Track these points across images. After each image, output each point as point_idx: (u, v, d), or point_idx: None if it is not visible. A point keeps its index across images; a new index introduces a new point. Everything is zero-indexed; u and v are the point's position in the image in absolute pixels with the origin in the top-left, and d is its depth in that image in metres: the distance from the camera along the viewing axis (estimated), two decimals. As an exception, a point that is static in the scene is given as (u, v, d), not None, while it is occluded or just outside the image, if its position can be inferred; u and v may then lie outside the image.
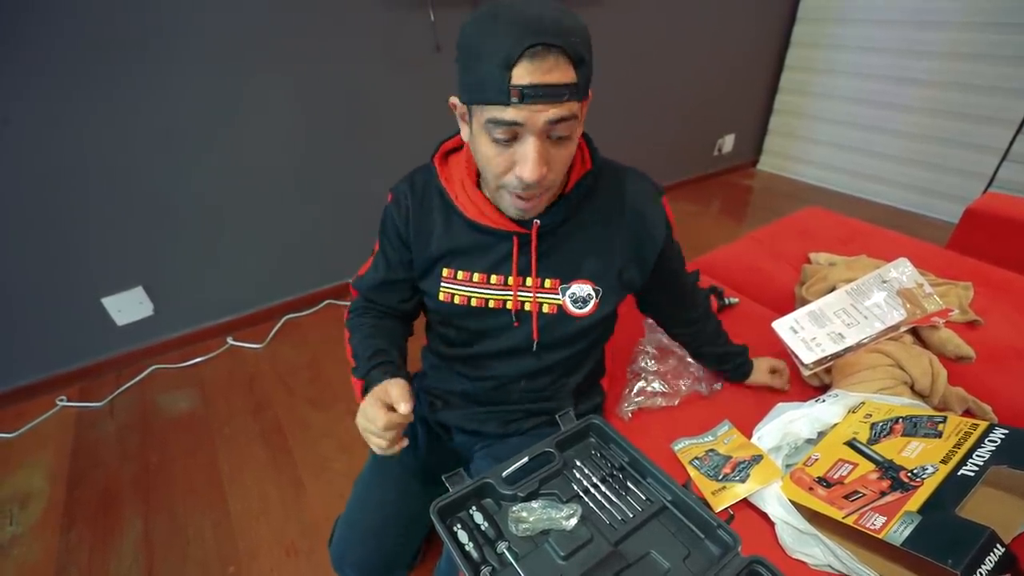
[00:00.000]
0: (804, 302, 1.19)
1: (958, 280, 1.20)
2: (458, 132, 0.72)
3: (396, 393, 0.64)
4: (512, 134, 0.57)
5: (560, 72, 0.53)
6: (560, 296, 0.74)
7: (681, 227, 0.81)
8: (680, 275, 0.86)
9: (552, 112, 0.55)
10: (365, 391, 0.71)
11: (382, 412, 0.63)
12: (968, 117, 2.45)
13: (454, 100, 0.63)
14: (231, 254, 1.88)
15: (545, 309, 0.74)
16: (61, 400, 1.67)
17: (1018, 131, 2.31)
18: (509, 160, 0.59)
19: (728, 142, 3.31)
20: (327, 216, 2.00)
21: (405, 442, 0.67)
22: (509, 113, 0.54)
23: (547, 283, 0.74)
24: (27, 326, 1.61)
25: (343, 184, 1.97)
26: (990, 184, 2.47)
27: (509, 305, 0.74)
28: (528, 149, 0.57)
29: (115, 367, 1.80)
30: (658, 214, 0.76)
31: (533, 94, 0.53)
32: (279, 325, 2.00)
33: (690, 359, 1.03)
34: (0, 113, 1.35)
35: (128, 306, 1.75)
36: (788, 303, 1.28)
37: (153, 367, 1.80)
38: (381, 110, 1.92)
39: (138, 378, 1.75)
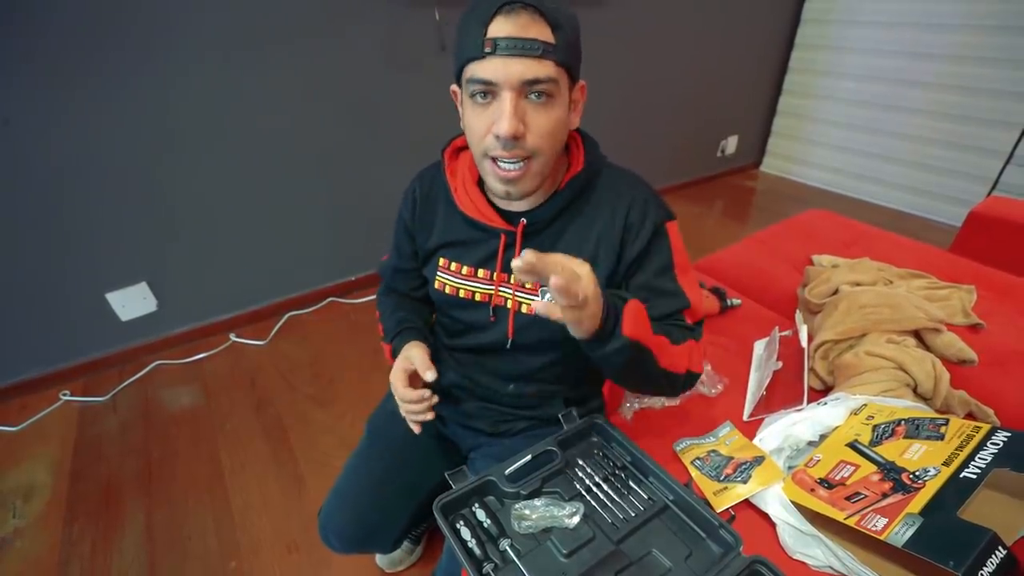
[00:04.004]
0: (806, 304, 1.20)
1: (961, 283, 1.20)
2: None
3: (419, 360, 0.71)
4: (489, 91, 0.58)
5: (535, 29, 0.56)
6: (540, 298, 0.73)
7: (684, 228, 0.75)
8: (652, 301, 0.70)
9: (527, 68, 0.56)
10: (394, 354, 0.80)
11: (404, 384, 0.72)
12: (972, 120, 2.44)
13: (454, 87, 0.66)
14: (234, 251, 1.88)
15: (524, 309, 0.74)
16: (64, 394, 1.67)
17: (1022, 135, 2.30)
18: (488, 121, 0.60)
19: (731, 144, 3.31)
20: (331, 214, 2.01)
21: (430, 415, 0.73)
22: (485, 68, 0.57)
23: (528, 283, 0.74)
24: (31, 321, 1.62)
25: (347, 182, 1.97)
26: (994, 187, 2.47)
27: (492, 301, 0.76)
28: (504, 104, 0.58)
29: (118, 362, 1.81)
30: (648, 225, 0.70)
31: (506, 45, 0.55)
32: (282, 322, 2.00)
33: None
34: (0, 113, 1.35)
35: (132, 302, 1.75)
36: (791, 305, 1.28)
37: (156, 363, 1.80)
38: (385, 109, 1.92)
39: (141, 373, 1.76)
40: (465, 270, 0.76)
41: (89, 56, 1.40)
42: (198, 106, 1.60)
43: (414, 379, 0.74)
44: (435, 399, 0.74)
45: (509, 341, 0.76)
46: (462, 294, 0.77)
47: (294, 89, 1.72)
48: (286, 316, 2.03)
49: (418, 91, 1.94)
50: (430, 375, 0.70)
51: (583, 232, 0.72)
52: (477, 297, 0.76)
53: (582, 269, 0.52)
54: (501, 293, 0.75)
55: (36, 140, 1.42)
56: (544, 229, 0.72)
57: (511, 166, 0.62)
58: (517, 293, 0.74)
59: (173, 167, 1.64)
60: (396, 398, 0.75)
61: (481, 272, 0.75)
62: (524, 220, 0.71)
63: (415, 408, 0.73)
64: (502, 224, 0.72)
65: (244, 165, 1.75)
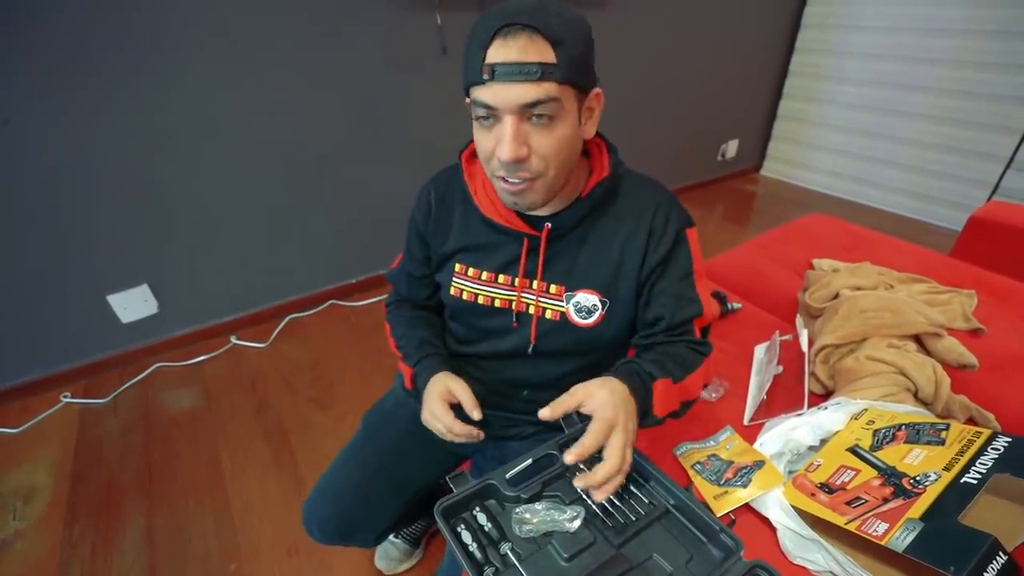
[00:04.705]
0: (807, 308, 1.20)
1: (961, 288, 1.20)
2: None
3: (465, 397, 0.72)
4: (493, 114, 0.59)
5: (534, 50, 0.54)
6: (564, 303, 0.73)
7: None
8: (661, 320, 0.72)
9: (525, 92, 0.55)
10: (415, 379, 0.79)
11: (447, 412, 0.72)
12: (973, 125, 2.45)
13: (468, 100, 0.66)
14: (236, 253, 1.88)
15: (548, 315, 0.74)
16: (65, 396, 1.67)
17: (1023, 139, 2.31)
18: (493, 142, 0.60)
19: (732, 147, 3.32)
20: (331, 216, 2.01)
21: (480, 434, 0.74)
22: (484, 93, 0.57)
23: (552, 288, 0.73)
24: (33, 323, 1.62)
25: (348, 184, 1.98)
26: (994, 192, 2.47)
27: (513, 306, 0.75)
28: (505, 128, 0.58)
29: (119, 364, 1.81)
30: (670, 231, 0.71)
31: (503, 71, 0.55)
32: (282, 325, 2.00)
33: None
34: (0, 113, 1.36)
35: (133, 304, 1.76)
36: (791, 309, 1.28)
37: (157, 365, 1.80)
38: (386, 111, 1.93)
39: (142, 375, 1.76)
40: (484, 275, 0.75)
41: (89, 56, 1.40)
42: (199, 107, 1.60)
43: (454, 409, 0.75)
44: (482, 435, 0.74)
45: (532, 346, 0.75)
46: (481, 300, 0.76)
47: (295, 91, 1.73)
48: (287, 319, 2.03)
49: (419, 94, 1.95)
50: (477, 414, 0.70)
51: (608, 238, 0.72)
52: (497, 303, 0.75)
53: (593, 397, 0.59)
54: (524, 299, 0.74)
55: (36, 140, 1.42)
56: (568, 234, 0.72)
57: (516, 181, 0.63)
58: (540, 298, 0.74)
59: (174, 168, 1.64)
60: (438, 425, 0.73)
61: (502, 278, 0.75)
62: (549, 224, 0.71)
63: (450, 436, 0.73)
64: (525, 228, 0.71)
65: (245, 167, 1.76)
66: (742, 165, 3.49)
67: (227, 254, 1.87)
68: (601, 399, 0.58)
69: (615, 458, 0.56)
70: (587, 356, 0.78)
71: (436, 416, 0.72)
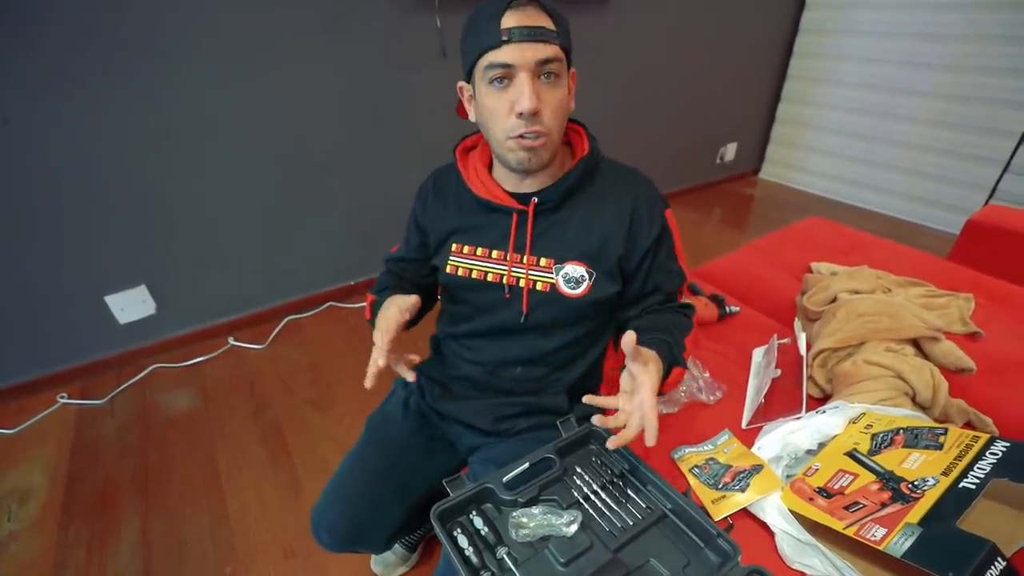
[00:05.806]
0: (805, 311, 1.20)
1: (959, 292, 1.20)
2: (477, 131, 0.79)
3: (412, 301, 0.71)
4: (507, 75, 0.65)
5: (541, 19, 0.65)
6: (554, 275, 0.77)
7: (682, 235, 0.83)
8: (659, 291, 0.81)
9: (539, 51, 0.64)
10: (374, 307, 0.81)
11: (394, 310, 0.69)
12: (970, 129, 2.46)
13: (461, 84, 0.72)
14: (234, 254, 1.88)
15: (539, 287, 0.78)
16: (62, 397, 1.67)
17: (1020, 143, 2.32)
18: (509, 103, 0.66)
19: (730, 151, 3.32)
20: (330, 217, 2.01)
21: (410, 377, 0.71)
22: (502, 54, 0.64)
23: (542, 262, 0.77)
24: (30, 323, 1.62)
25: (346, 186, 1.98)
26: (991, 196, 2.48)
27: (505, 280, 0.78)
28: (522, 84, 0.65)
29: (116, 365, 1.80)
30: (656, 217, 0.78)
31: (520, 33, 0.63)
32: (281, 326, 2.00)
33: (691, 367, 1.03)
34: (0, 113, 1.35)
35: (131, 304, 1.75)
36: (789, 312, 1.28)
37: (154, 366, 1.80)
38: (386, 114, 1.93)
39: (139, 376, 1.75)
40: (479, 251, 0.80)
41: (89, 56, 1.40)
42: (197, 107, 1.60)
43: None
44: (410, 376, 0.71)
45: (523, 316, 0.78)
46: (475, 275, 0.80)
47: (294, 92, 1.73)
48: (285, 320, 2.03)
49: (419, 96, 1.95)
50: (413, 304, 0.70)
51: (592, 216, 0.77)
52: (490, 277, 0.79)
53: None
54: (515, 273, 0.78)
55: (36, 140, 1.42)
56: (554, 211, 0.77)
57: (533, 136, 0.68)
58: (531, 271, 0.77)
59: (172, 168, 1.64)
60: (379, 333, 0.68)
61: (495, 253, 0.79)
62: (535, 199, 0.75)
63: (382, 347, 0.68)
64: (514, 204, 0.76)
65: (243, 167, 1.76)
66: (741, 168, 3.49)
67: (225, 255, 1.86)
68: (647, 388, 0.62)
69: (637, 424, 0.60)
70: (576, 327, 0.82)
71: (386, 320, 0.69)
